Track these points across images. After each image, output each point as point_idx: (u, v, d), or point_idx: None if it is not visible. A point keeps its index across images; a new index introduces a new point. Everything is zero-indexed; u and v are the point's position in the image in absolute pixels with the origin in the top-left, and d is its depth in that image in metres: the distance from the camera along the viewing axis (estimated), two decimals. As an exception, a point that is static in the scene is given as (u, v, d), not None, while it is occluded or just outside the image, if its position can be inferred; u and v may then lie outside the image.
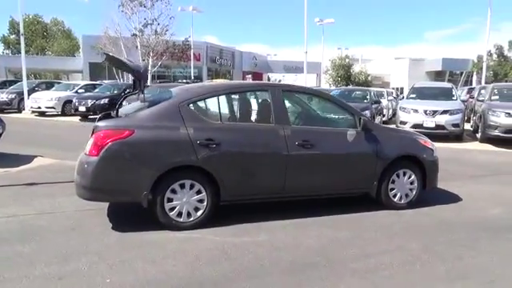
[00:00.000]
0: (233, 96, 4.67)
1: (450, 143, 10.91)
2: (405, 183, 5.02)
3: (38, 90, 19.70)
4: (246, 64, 47.30)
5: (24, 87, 19.23)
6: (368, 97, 13.78)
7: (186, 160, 4.09)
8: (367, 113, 11.58)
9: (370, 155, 4.78)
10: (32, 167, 7.29)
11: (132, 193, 4.03)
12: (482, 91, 14.92)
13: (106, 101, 15.93)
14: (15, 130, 10.49)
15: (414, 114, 11.70)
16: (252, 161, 4.38)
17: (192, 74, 33.57)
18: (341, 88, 21.32)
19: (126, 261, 3.44)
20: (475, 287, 3.18)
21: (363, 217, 4.71)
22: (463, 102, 13.58)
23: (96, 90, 18.14)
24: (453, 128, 11.43)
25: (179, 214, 4.14)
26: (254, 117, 4.78)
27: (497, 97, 11.93)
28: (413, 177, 5.03)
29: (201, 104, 4.43)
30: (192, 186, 4.15)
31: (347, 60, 43.07)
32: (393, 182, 4.95)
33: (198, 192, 4.18)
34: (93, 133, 4.30)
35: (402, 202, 5.02)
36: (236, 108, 4.73)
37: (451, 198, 5.56)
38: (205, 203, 4.20)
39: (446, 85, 15.27)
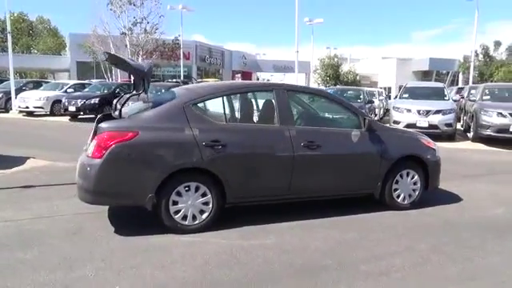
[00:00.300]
0: (237, 96, 4.59)
1: (442, 143, 10.94)
2: (408, 184, 5.01)
3: (25, 90, 19.30)
4: (235, 63, 47.19)
5: (11, 86, 18.81)
6: (361, 96, 13.83)
7: (192, 162, 4.01)
8: (362, 112, 11.59)
9: (375, 156, 4.76)
10: (25, 169, 7.11)
11: (136, 196, 3.93)
12: (472, 91, 15.11)
13: (97, 100, 15.69)
14: (3, 130, 10.28)
15: (407, 114, 11.78)
16: (257, 162, 4.32)
17: (182, 73, 33.30)
18: (334, 87, 21.38)
19: (134, 266, 3.34)
20: (488, 289, 3.17)
21: (368, 217, 4.69)
22: (455, 101, 13.72)
23: (86, 90, 17.84)
24: (446, 128, 11.53)
25: (184, 217, 4.05)
26: (258, 117, 4.72)
27: (488, 97, 12.08)
28: (416, 177, 5.03)
29: (205, 104, 4.35)
30: (197, 189, 4.07)
31: (336, 59, 43.29)
32: (396, 182, 4.94)
33: (204, 194, 4.10)
34: (95, 134, 4.19)
35: (406, 202, 5.02)
36: (241, 108, 4.65)
37: (452, 198, 5.58)
38: (210, 206, 4.13)
39: (437, 85, 15.41)
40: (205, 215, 4.13)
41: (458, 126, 13.62)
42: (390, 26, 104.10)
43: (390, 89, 45.73)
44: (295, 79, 28.43)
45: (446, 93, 13.16)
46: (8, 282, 3.06)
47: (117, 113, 4.48)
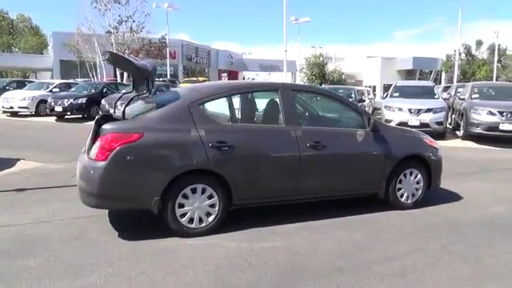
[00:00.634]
0: (242, 96, 4.50)
1: (434, 141, 11.10)
2: (411, 183, 5.01)
3: (9, 89, 18.81)
4: (221, 62, 47.02)
5: (-6, 86, 18.34)
6: (353, 95, 13.87)
7: (199, 163, 3.92)
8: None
9: (380, 155, 4.74)
10: (15, 171, 6.90)
11: (142, 199, 3.82)
12: (460, 89, 15.32)
13: (84, 100, 15.38)
14: (-11, 132, 9.96)
15: (398, 113, 11.85)
16: (264, 163, 4.25)
17: (168, 73, 32.99)
18: (325, 87, 21.39)
19: (143, 272, 3.24)
20: (503, 288, 3.17)
21: (373, 217, 4.66)
22: (444, 100, 13.88)
23: (72, 89, 17.45)
24: (436, 126, 11.63)
25: (191, 220, 3.96)
26: (264, 117, 4.64)
27: (477, 95, 12.25)
28: (419, 176, 5.03)
29: (210, 105, 4.24)
30: (204, 191, 3.98)
31: (321, 58, 43.46)
32: (400, 181, 4.93)
33: (210, 196, 4.01)
34: (95, 135, 4.06)
35: (409, 201, 5.01)
36: (246, 108, 4.56)
37: (452, 197, 5.60)
38: (216, 208, 4.04)
39: (427, 83, 15.58)
40: (211, 218, 4.04)
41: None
42: (373, 26, 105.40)
43: (374, 87, 46.21)
44: (282, 78, 28.47)
45: (435, 91, 13.31)
46: (13, 291, 2.92)
47: (118, 113, 4.36)
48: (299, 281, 3.16)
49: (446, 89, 19.82)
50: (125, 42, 25.56)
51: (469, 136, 11.37)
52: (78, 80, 23.18)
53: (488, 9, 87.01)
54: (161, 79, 25.21)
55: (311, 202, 4.76)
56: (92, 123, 4.44)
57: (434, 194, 5.39)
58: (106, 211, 4.52)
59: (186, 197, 3.92)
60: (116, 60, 4.28)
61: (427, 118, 11.52)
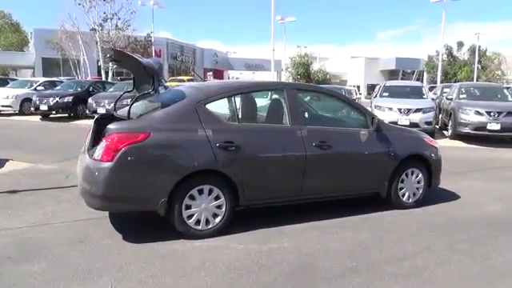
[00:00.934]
0: (247, 95, 4.44)
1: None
2: (413, 182, 5.04)
3: (-10, 88, 18.26)
4: (207, 61, 46.78)
5: (-25, 84, 17.79)
6: (342, 95, 13.93)
7: (206, 164, 3.85)
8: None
9: (383, 155, 4.76)
10: (4, 172, 6.70)
11: (148, 201, 3.73)
12: (446, 90, 15.58)
13: (70, 99, 15.02)
14: (-27, 131, 9.66)
15: (388, 112, 11.94)
16: (270, 163, 4.20)
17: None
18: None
19: (154, 275, 3.16)
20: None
21: (377, 217, 4.67)
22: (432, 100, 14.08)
23: (58, 88, 17.04)
24: (426, 126, 11.75)
25: (197, 222, 3.89)
26: (269, 117, 4.60)
27: (465, 95, 12.48)
28: (420, 175, 5.07)
29: (217, 104, 4.17)
30: (210, 191, 3.92)
31: (306, 58, 43.68)
32: (402, 181, 4.96)
33: (217, 197, 3.95)
34: (97, 135, 3.96)
35: (410, 201, 5.05)
36: (251, 108, 4.51)
37: (450, 196, 5.67)
38: (223, 209, 3.98)
39: (416, 83, 15.80)
40: (218, 219, 3.98)
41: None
42: (356, 26, 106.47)
43: (359, 87, 46.69)
44: (267, 77, 28.45)
45: (424, 91, 13.48)
46: (20, 297, 2.81)
47: (121, 112, 4.27)
48: (314, 282, 3.13)
49: (431, 89, 20.15)
50: (110, 40, 25.13)
51: (457, 135, 11.56)
52: (62, 78, 22.63)
53: (466, 11, 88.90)
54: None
55: (315, 202, 4.75)
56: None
57: (432, 193, 5.44)
58: (107, 213, 4.42)
59: (192, 198, 3.84)
60: (120, 58, 4.17)
61: (417, 117, 11.65)
